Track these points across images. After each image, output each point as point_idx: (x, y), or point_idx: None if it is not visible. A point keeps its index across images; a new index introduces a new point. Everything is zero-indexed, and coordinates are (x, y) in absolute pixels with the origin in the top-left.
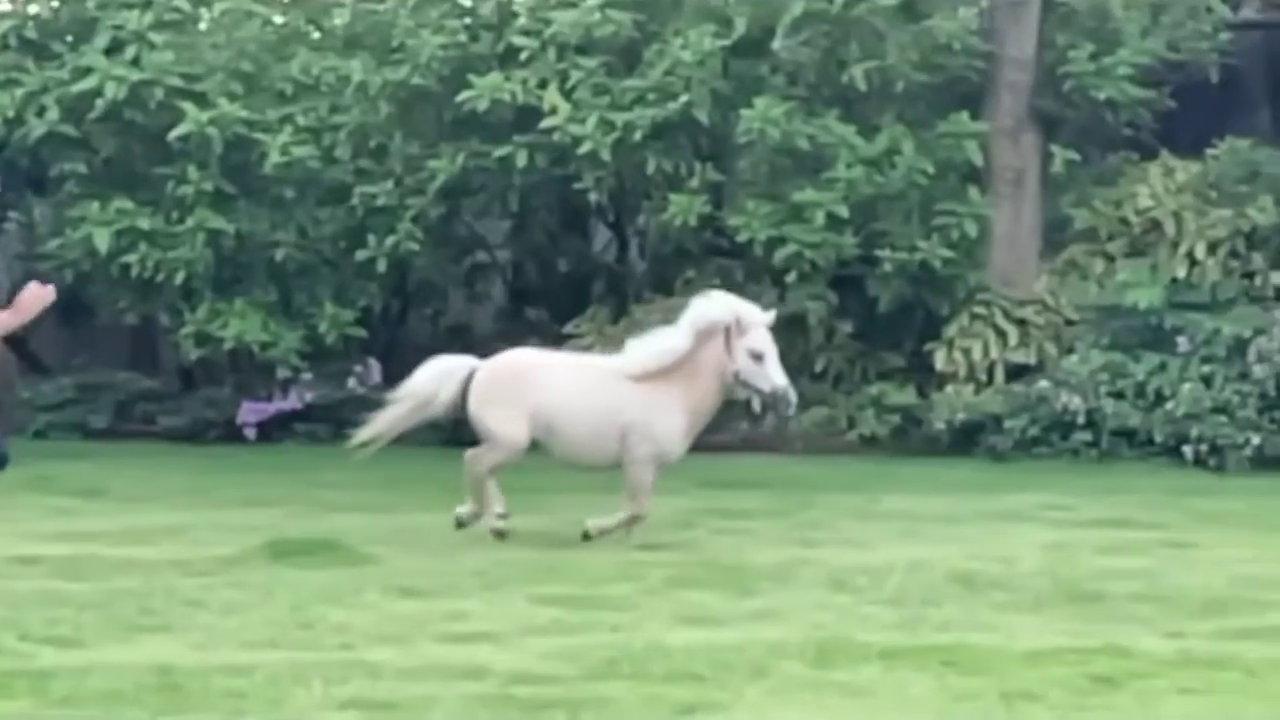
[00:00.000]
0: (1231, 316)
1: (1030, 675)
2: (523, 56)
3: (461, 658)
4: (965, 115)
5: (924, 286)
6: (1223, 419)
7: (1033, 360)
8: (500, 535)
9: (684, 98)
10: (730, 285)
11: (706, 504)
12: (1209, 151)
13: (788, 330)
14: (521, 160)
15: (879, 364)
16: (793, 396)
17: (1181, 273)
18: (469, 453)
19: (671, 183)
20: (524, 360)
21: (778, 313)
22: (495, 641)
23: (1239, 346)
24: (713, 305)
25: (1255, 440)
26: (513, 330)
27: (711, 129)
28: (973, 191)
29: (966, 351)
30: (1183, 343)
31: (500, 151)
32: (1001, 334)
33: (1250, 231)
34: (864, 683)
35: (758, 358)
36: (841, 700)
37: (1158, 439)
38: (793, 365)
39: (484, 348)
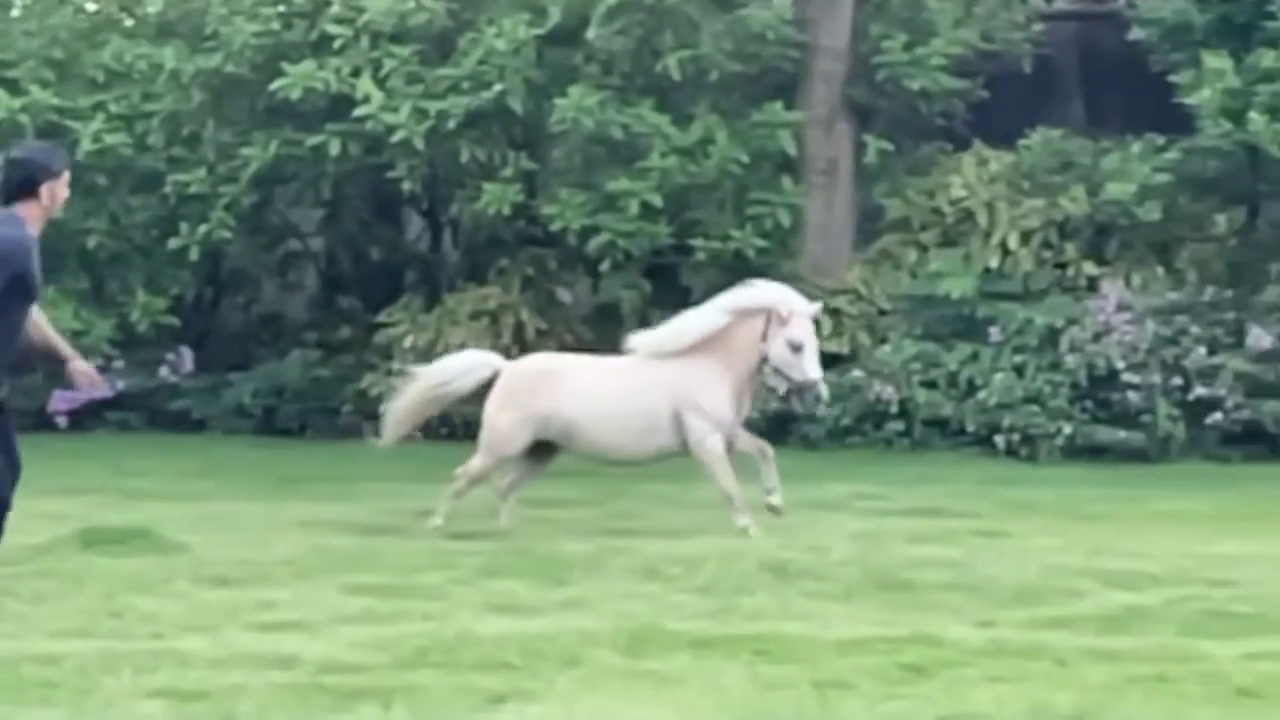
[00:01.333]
0: (1044, 306)
1: (841, 664)
2: (336, 45)
3: (272, 647)
4: (779, 105)
5: (737, 276)
6: (1034, 409)
7: (846, 350)
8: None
9: (498, 87)
10: (544, 274)
11: (518, 493)
12: (1022, 142)
13: (601, 319)
14: (335, 149)
15: None
16: (824, 392)
17: (994, 263)
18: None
19: (485, 171)
20: (546, 364)
21: (592, 302)
22: (306, 630)
23: (1051, 336)
24: (758, 290)
25: (1067, 430)
26: (325, 319)
27: (525, 118)
28: (786, 181)
29: None
30: (995, 333)
31: (313, 140)
32: (814, 324)
33: (1063, 221)
34: (675, 671)
35: (796, 349)
36: (652, 689)
37: (970, 428)
38: (606, 355)
39: (296, 336)
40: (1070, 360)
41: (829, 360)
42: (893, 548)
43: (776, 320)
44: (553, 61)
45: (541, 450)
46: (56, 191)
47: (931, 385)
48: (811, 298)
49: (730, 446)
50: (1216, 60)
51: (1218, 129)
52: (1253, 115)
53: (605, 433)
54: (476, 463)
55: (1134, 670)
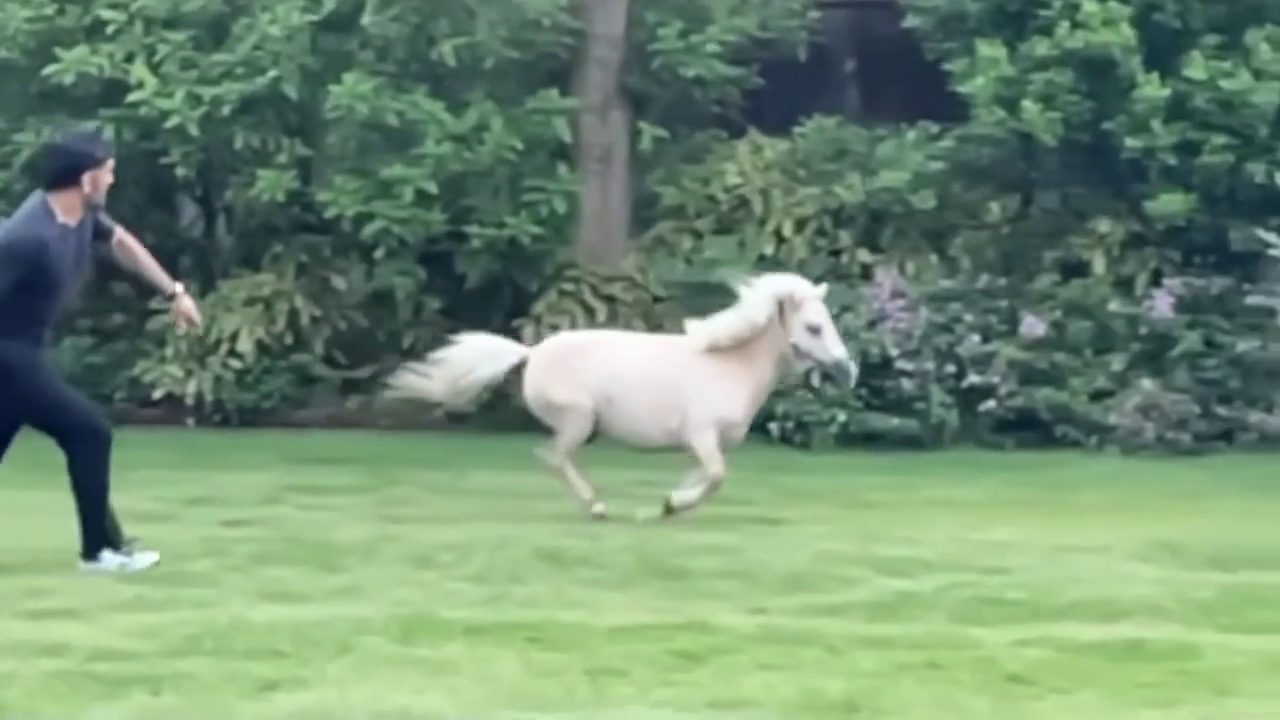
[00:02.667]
0: None
1: (614, 651)
2: (110, 30)
3: (42, 634)
4: (554, 92)
5: (512, 263)
6: (809, 396)
7: None
8: (600, 517)
9: (272, 73)
10: (318, 261)
11: (292, 480)
12: (797, 130)
13: (375, 306)
14: (108, 134)
15: None
16: (853, 368)
17: (769, 250)
18: (538, 452)
19: (259, 158)
20: (582, 338)
21: (366, 288)
22: (77, 618)
23: None
24: (762, 285)
25: (841, 418)
26: (98, 305)
27: (300, 104)
28: (562, 168)
29: (555, 328)
30: None
31: (87, 126)
32: (590, 310)
33: (837, 209)
34: (447, 659)
35: (815, 331)
36: (425, 676)
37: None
38: (380, 342)
39: (69, 322)
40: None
41: None
42: (667, 535)
43: (790, 307)
44: (327, 48)
45: None
46: (99, 178)
47: None
48: (588, 285)
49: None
50: (990, 49)
51: (991, 117)
52: (1026, 104)
53: (629, 413)
54: (566, 437)
55: (905, 657)
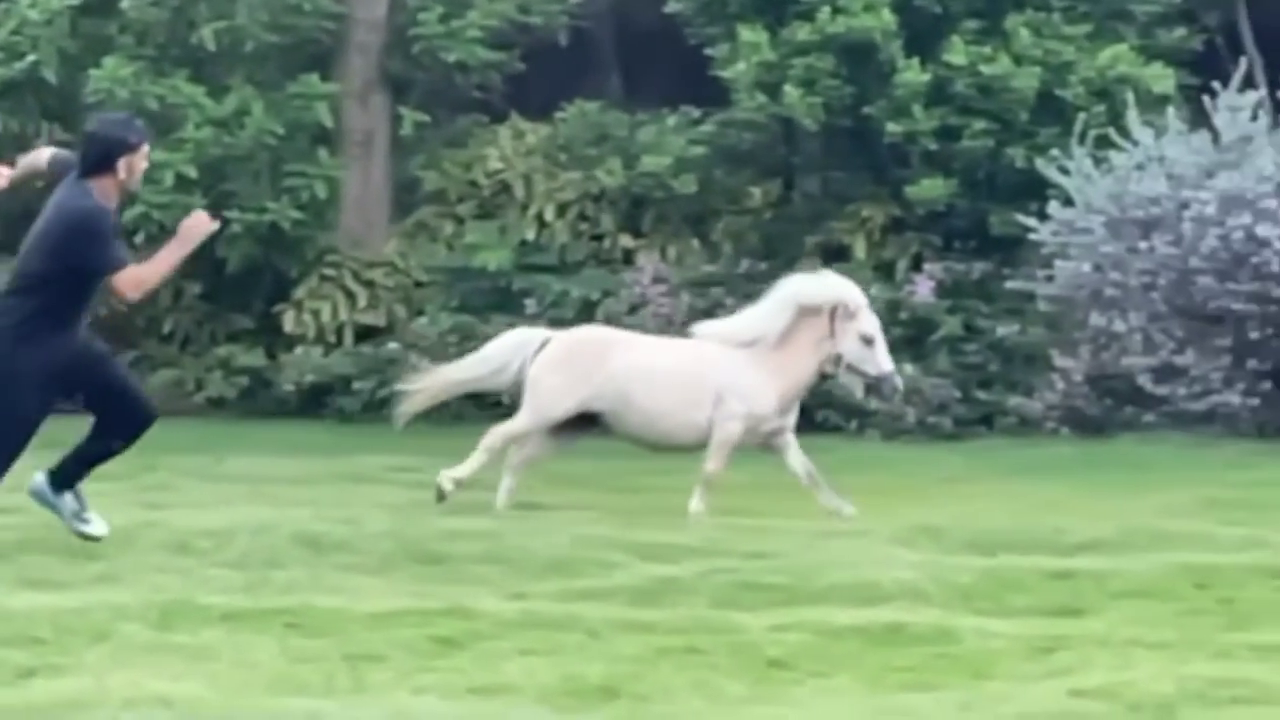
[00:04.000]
0: (580, 279)
1: (373, 637)
2: None
3: None
4: (315, 77)
5: (273, 248)
6: None
7: (382, 322)
8: (440, 496)
9: (31, 57)
10: None
11: (50, 465)
12: (558, 114)
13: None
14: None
15: (227, 326)
16: (899, 382)
17: (531, 235)
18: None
19: (19, 143)
20: (603, 334)
21: None
22: None
23: (587, 309)
24: (819, 284)
25: None
26: None
27: (60, 88)
28: (323, 153)
29: (316, 313)
30: (531, 305)
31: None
32: (351, 296)
33: (599, 194)
34: (205, 645)
35: (868, 342)
36: (183, 663)
37: (505, 401)
38: (139, 328)
39: None
40: None
41: (365, 332)
42: (427, 520)
43: (844, 315)
44: (87, 32)
45: (571, 427)
46: (134, 164)
47: None
48: (349, 270)
49: (775, 449)
50: (751, 34)
51: (753, 102)
52: (787, 89)
53: (650, 411)
54: (519, 422)
55: (665, 641)
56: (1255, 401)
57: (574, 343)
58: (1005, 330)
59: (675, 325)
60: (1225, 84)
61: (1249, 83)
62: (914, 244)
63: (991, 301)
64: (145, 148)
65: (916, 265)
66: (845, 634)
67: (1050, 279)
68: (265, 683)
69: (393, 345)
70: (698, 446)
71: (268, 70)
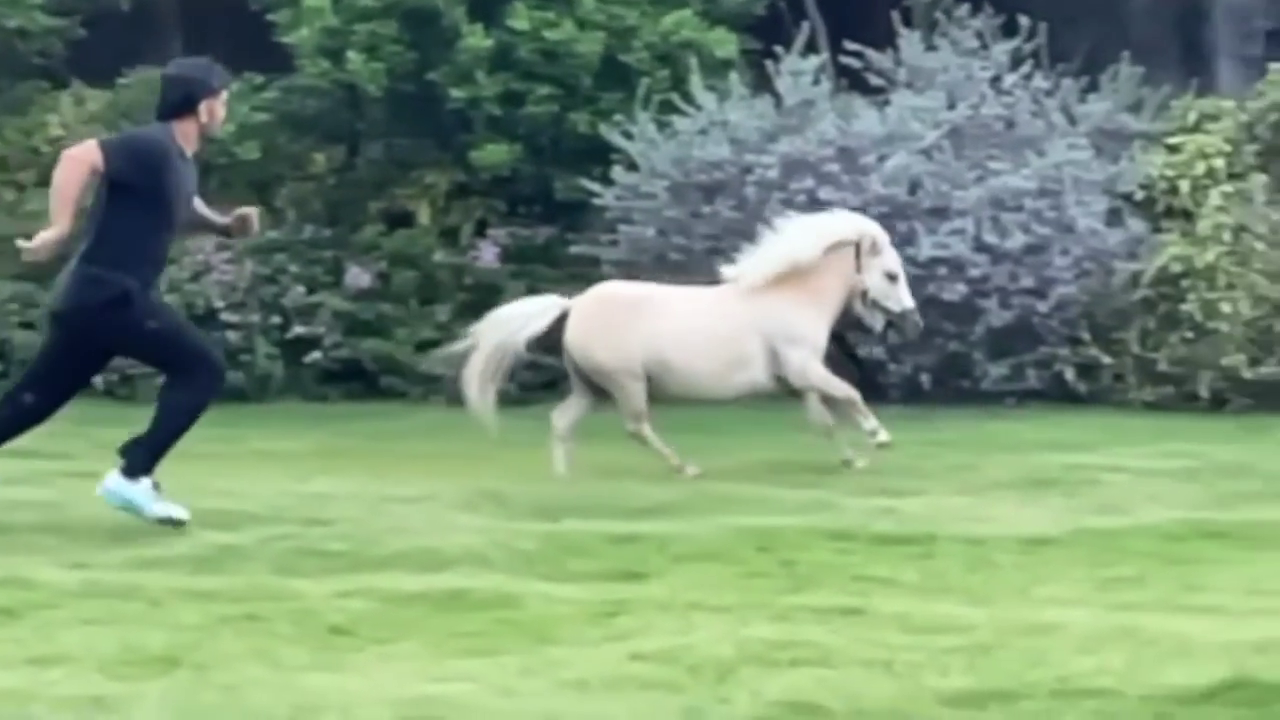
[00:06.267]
0: None
1: None
2: None
3: None
4: None
5: None
6: None
7: None
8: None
9: None
10: None
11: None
12: (120, 81)
13: None
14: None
15: None
16: (919, 319)
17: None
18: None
19: None
20: (630, 291)
21: None
22: None
23: None
24: (844, 221)
25: None
26: None
27: None
28: None
29: None
30: None
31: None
32: None
33: None
34: None
35: (892, 278)
36: None
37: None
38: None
39: None
40: (172, 300)
41: None
42: None
43: (870, 250)
44: None
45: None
46: (215, 109)
47: (29, 326)
48: None
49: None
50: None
51: (316, 68)
52: (351, 54)
53: (694, 368)
54: (628, 403)
55: (226, 610)
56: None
57: (599, 306)
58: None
59: (239, 291)
60: (788, 48)
61: (811, 47)
62: (478, 209)
63: (556, 266)
64: (225, 94)
65: (481, 231)
66: (408, 600)
67: (615, 244)
68: None
69: None
70: (750, 397)
71: None
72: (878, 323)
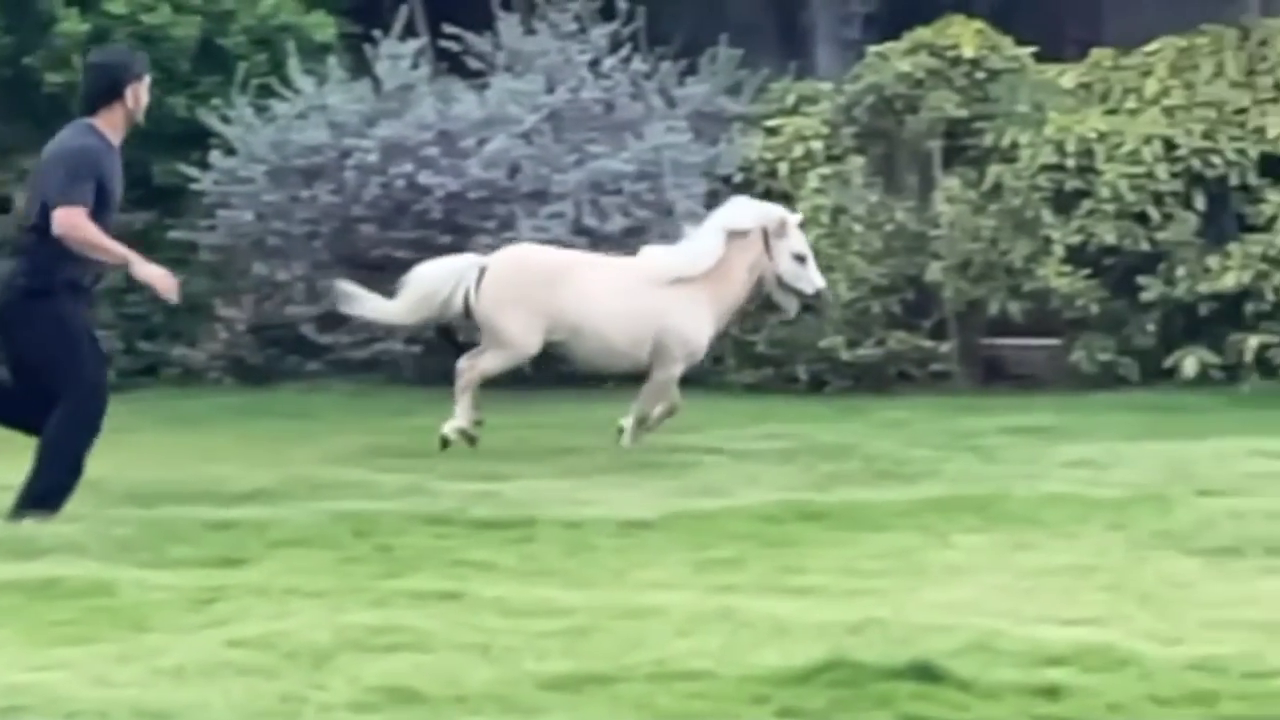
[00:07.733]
0: None
1: None
2: None
3: None
4: None
5: None
6: None
7: None
8: (469, 439)
9: None
10: None
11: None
12: None
13: None
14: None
15: None
16: (831, 296)
17: None
18: (462, 360)
19: None
20: (547, 258)
21: None
22: None
23: None
24: (747, 208)
25: None
26: None
27: None
28: None
29: None
30: None
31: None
32: None
33: None
34: None
35: (800, 259)
36: None
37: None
38: None
39: None
40: None
41: None
42: None
43: (775, 234)
44: None
45: None
46: (140, 94)
47: None
48: None
49: None
50: None
51: None
52: None
53: (603, 340)
54: (489, 361)
55: None
56: (417, 349)
57: (513, 270)
58: None
59: None
60: (387, 32)
61: (410, 31)
62: None
63: (156, 251)
64: (148, 79)
65: None
66: (2, 589)
67: (213, 229)
68: None
69: None
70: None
71: None
72: (792, 306)
